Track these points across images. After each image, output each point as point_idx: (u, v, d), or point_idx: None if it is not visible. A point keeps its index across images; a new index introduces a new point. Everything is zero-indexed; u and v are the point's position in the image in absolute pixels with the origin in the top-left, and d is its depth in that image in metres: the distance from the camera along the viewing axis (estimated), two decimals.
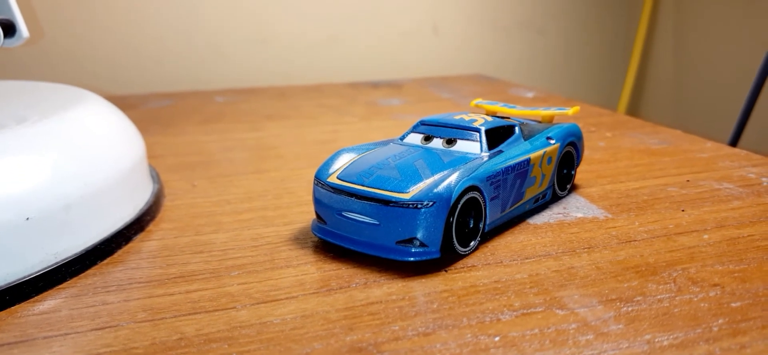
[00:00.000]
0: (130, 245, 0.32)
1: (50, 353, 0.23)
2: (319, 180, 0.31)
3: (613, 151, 0.48)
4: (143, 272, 0.29)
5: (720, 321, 0.24)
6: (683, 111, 0.96)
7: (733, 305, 0.25)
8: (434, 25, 0.93)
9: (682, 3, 0.93)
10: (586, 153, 0.48)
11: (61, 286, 0.28)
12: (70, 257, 0.29)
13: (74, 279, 0.28)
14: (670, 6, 0.96)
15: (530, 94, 0.74)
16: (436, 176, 0.29)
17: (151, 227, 0.35)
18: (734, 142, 0.68)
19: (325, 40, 0.88)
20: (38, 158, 0.29)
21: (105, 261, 0.30)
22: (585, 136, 0.52)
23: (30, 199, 0.28)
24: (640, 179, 0.41)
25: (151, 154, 0.47)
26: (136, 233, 0.33)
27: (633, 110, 1.03)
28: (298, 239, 0.32)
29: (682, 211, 0.36)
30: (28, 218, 0.27)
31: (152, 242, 0.33)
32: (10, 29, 0.43)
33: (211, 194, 0.40)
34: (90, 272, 0.29)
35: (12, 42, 0.43)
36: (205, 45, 0.83)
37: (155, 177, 0.41)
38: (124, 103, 0.66)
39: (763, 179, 0.41)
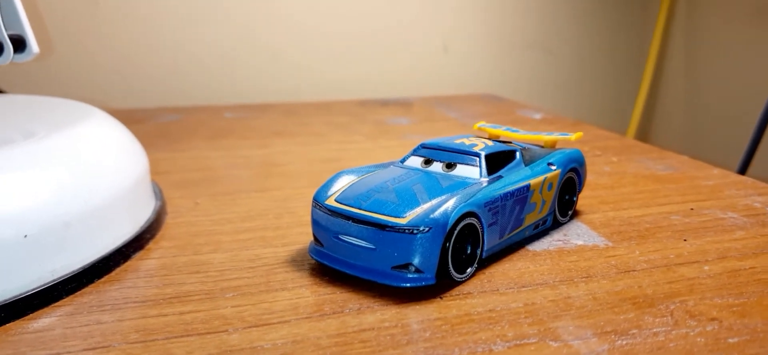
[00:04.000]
0: (128, 263, 0.32)
1: None
2: (317, 202, 0.31)
3: (618, 177, 0.48)
4: (139, 291, 0.29)
5: None
6: (694, 135, 0.95)
7: (730, 340, 0.25)
8: (444, 43, 0.93)
9: (694, 26, 0.93)
10: (591, 178, 0.47)
11: (56, 304, 0.28)
12: (67, 274, 0.29)
13: (70, 297, 0.29)
14: (681, 29, 0.95)
15: (538, 116, 0.74)
16: (434, 201, 0.29)
17: (150, 245, 0.35)
18: (743, 170, 0.68)
19: (336, 58, 0.89)
20: (40, 174, 0.29)
21: (102, 279, 0.30)
22: (590, 160, 0.52)
23: (29, 216, 0.28)
24: (643, 207, 0.41)
25: (157, 170, 0.47)
26: (135, 252, 0.33)
27: (643, 134, 1.02)
28: (295, 261, 0.32)
29: (685, 240, 0.35)
30: (26, 235, 0.27)
31: (151, 260, 0.33)
32: (20, 44, 0.44)
33: (213, 212, 0.40)
34: (86, 290, 0.29)
35: (22, 57, 0.44)
36: (216, 60, 0.84)
37: (158, 194, 0.41)
38: (132, 117, 0.67)
39: None
